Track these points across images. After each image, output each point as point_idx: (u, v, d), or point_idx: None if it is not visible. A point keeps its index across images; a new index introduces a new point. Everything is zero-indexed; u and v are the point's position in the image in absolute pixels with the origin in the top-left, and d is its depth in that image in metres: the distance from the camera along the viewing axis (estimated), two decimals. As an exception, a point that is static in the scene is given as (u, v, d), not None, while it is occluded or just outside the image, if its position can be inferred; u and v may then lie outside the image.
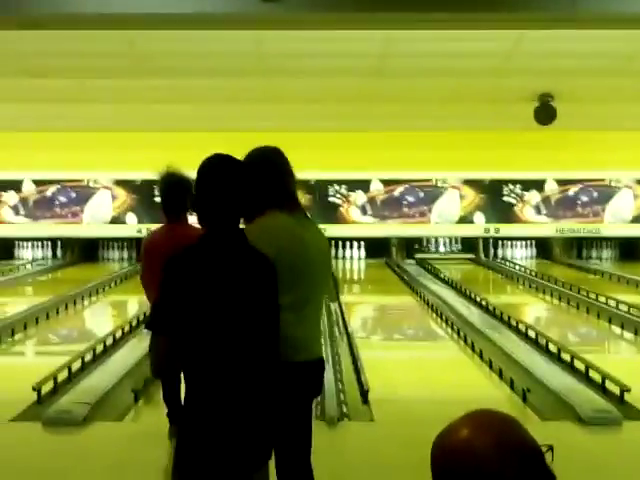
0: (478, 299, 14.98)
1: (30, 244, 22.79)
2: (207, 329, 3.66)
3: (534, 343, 11.01)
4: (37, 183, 22.53)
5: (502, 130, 20.00)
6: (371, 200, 22.80)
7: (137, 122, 18.15)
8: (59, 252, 22.97)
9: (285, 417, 4.09)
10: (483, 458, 1.78)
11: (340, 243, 22.67)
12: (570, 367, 9.56)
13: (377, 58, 12.56)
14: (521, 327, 12.14)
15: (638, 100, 15.38)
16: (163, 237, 6.35)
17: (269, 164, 4.26)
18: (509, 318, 12.86)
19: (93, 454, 6.68)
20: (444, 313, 13.63)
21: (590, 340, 12.87)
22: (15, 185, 22.48)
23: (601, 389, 8.52)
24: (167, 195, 6.57)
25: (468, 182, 22.75)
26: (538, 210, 22.87)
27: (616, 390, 8.32)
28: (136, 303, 14.52)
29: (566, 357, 9.96)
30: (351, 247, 22.95)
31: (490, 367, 9.79)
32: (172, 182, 6.55)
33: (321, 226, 5.02)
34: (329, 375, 8.98)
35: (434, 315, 14.00)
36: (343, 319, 12.89)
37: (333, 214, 22.49)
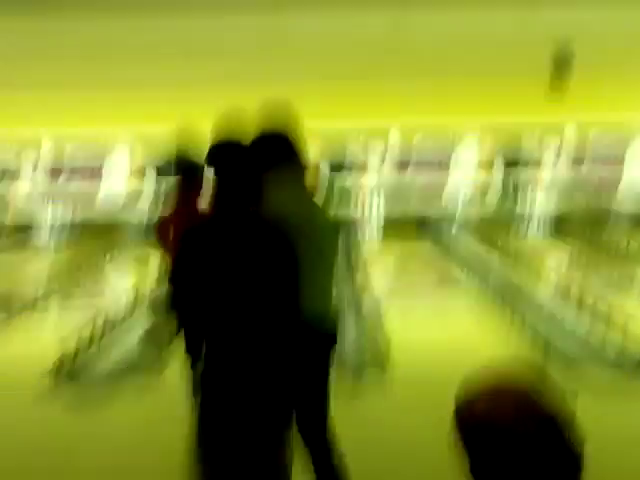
0: (499, 245, 14.95)
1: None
2: (224, 299, 3.67)
3: (555, 289, 10.98)
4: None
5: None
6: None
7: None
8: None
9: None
10: (501, 422, 1.77)
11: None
12: (593, 313, 9.52)
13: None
14: (541, 273, 12.12)
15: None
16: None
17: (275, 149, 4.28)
18: (528, 264, 12.84)
19: (114, 432, 6.69)
20: (465, 261, 13.62)
21: (612, 283, 12.81)
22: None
23: (625, 334, 8.49)
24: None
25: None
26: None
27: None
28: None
29: (588, 301, 9.90)
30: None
31: (513, 316, 9.76)
32: (185, 167, 6.48)
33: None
34: (349, 332, 8.95)
35: (455, 263, 13.99)
36: (365, 271, 12.88)
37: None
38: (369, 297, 10.89)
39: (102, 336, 9.21)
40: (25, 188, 21.33)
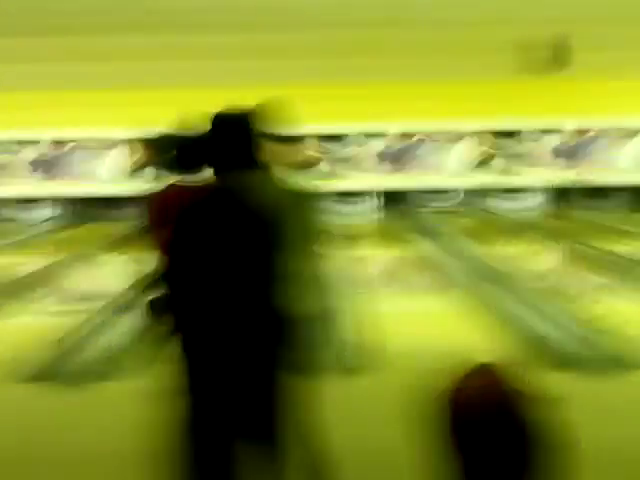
0: (483, 248, 15.03)
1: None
2: (206, 285, 3.74)
3: (538, 291, 11.07)
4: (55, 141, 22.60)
5: (517, 77, 19.83)
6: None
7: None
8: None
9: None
10: (488, 408, 1.84)
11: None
12: (575, 316, 9.62)
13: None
14: (526, 276, 12.21)
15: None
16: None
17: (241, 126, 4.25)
18: (515, 268, 12.93)
19: (109, 411, 6.76)
20: (451, 263, 13.68)
21: (593, 288, 12.89)
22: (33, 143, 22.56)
23: (606, 337, 8.58)
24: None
25: (482, 131, 22.68)
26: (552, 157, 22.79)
27: (620, 338, 8.38)
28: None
29: (570, 304, 10.02)
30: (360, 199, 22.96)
31: (495, 317, 9.85)
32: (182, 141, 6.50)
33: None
34: (332, 324, 9.05)
35: (438, 265, 14.05)
36: (351, 269, 12.94)
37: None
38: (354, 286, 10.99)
39: (92, 330, 9.30)
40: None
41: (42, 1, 11.08)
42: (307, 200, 4.41)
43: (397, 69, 17.70)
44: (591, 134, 22.68)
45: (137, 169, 22.27)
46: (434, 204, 22.91)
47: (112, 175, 22.46)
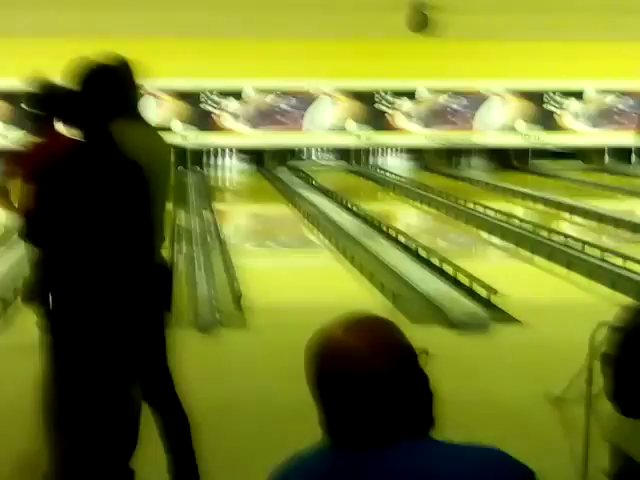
0: (351, 206, 15.13)
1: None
2: (81, 235, 3.64)
3: (405, 249, 11.21)
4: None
5: (375, 39, 19.99)
6: (245, 108, 22.68)
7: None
8: None
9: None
10: (357, 358, 1.81)
11: (215, 151, 22.61)
12: (440, 272, 9.77)
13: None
14: (393, 233, 12.35)
15: (510, 10, 15.54)
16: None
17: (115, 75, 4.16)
18: (381, 225, 13.07)
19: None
20: (318, 221, 13.73)
21: (459, 246, 13.14)
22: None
23: (470, 293, 8.74)
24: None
25: (342, 90, 22.76)
26: (410, 117, 23.07)
27: (484, 294, 8.55)
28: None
29: (436, 262, 10.18)
30: (223, 156, 22.84)
31: (362, 273, 9.93)
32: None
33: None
34: (202, 282, 9.02)
35: (308, 223, 14.09)
36: (216, 226, 12.88)
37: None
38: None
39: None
40: None
41: None
42: (171, 152, 4.36)
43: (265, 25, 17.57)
44: (448, 96, 23.04)
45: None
46: (299, 162, 22.97)
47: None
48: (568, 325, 7.26)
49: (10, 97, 20.71)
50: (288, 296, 9.02)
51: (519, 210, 15.27)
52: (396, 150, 23.50)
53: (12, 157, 6.42)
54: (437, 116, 23.10)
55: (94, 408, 3.72)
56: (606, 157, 23.69)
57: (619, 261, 9.98)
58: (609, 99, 23.44)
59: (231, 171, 22.68)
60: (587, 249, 10.79)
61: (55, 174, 3.69)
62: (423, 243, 11.40)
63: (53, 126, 6.27)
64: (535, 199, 16.52)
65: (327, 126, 22.89)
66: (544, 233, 12.14)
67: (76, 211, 3.63)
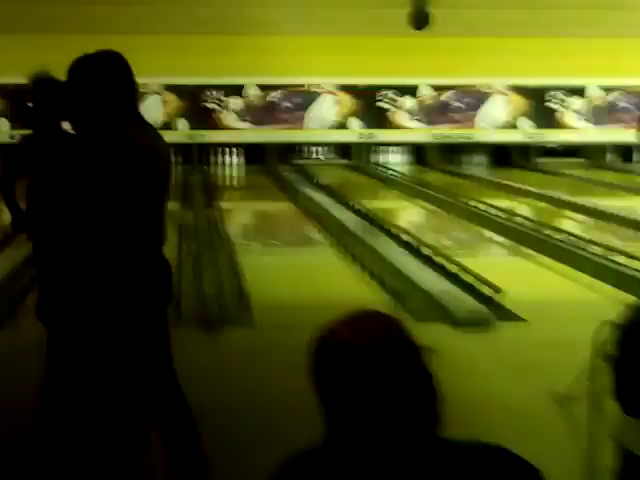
0: (353, 204, 15.09)
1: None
2: (68, 229, 3.65)
3: (407, 247, 11.18)
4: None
5: (376, 36, 19.98)
6: (248, 106, 22.66)
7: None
8: None
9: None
10: (360, 355, 1.81)
11: (220, 149, 22.58)
12: (443, 270, 9.74)
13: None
14: (395, 231, 12.32)
15: (513, 7, 15.53)
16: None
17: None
18: (383, 222, 13.05)
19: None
20: (320, 219, 13.71)
21: (462, 244, 13.11)
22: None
23: (473, 291, 8.71)
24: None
25: (343, 88, 22.74)
26: (412, 115, 23.05)
27: (487, 292, 8.52)
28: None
29: (439, 260, 10.15)
30: (223, 153, 22.81)
31: (364, 271, 9.91)
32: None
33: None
34: (208, 281, 9.00)
35: (310, 220, 14.07)
36: (221, 225, 12.87)
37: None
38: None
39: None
40: None
41: None
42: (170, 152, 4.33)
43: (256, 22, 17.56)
44: (450, 94, 23.02)
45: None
46: (298, 159, 22.94)
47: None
48: (571, 323, 7.25)
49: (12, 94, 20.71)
50: (291, 294, 9.01)
51: (522, 208, 15.25)
52: (397, 147, 23.47)
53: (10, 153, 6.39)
54: (439, 113, 23.07)
55: (98, 410, 3.70)
56: (607, 155, 23.67)
57: (623, 259, 9.95)
58: (611, 96, 23.41)
59: (233, 169, 22.65)
60: (591, 247, 10.75)
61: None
62: (425, 241, 11.38)
63: (49, 119, 6.23)
64: (537, 196, 16.48)
65: (329, 123, 22.86)
66: (547, 231, 12.11)
67: (60, 204, 3.64)
